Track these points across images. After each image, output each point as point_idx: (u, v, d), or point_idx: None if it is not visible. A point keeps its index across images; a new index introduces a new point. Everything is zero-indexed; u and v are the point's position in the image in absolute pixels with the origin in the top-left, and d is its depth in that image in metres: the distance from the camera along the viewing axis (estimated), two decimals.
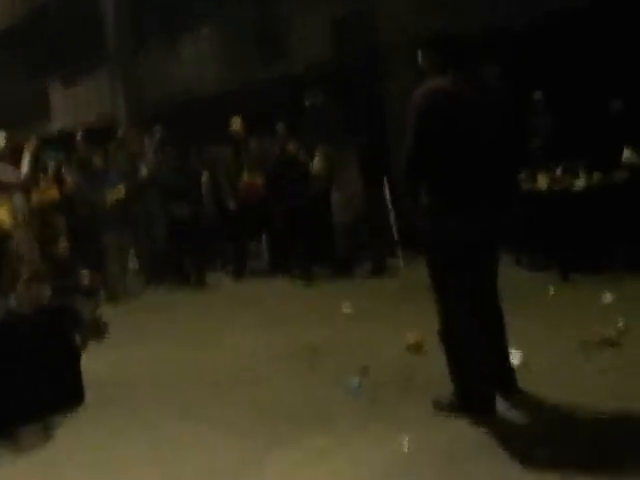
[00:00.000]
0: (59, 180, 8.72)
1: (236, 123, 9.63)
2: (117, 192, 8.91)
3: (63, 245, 7.77)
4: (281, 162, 9.40)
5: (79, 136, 10.78)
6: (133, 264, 10.26)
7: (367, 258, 9.17)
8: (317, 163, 9.11)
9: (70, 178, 9.02)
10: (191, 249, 9.52)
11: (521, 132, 4.04)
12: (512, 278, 7.45)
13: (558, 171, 7.67)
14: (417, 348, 5.36)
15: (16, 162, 7.19)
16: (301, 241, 9.17)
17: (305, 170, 9.23)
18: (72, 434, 4.52)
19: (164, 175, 9.52)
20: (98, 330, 6.86)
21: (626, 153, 7.65)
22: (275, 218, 9.45)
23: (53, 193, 8.38)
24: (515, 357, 4.72)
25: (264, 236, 10.17)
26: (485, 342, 4.09)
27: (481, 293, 4.13)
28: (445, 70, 3.98)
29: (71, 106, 19.07)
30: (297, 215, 9.11)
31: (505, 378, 4.24)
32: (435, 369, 4.52)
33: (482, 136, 3.92)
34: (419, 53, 4.14)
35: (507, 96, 4.10)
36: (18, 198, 6.81)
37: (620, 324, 5.31)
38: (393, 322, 6.26)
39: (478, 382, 4.03)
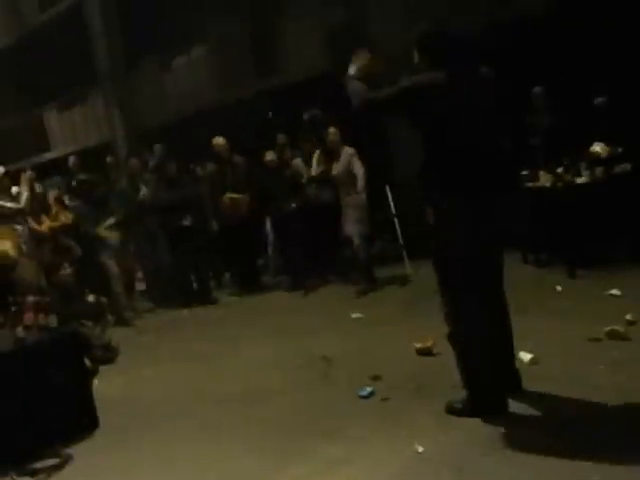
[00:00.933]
0: (61, 206, 8.77)
1: (218, 142, 9.62)
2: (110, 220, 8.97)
3: (66, 272, 7.81)
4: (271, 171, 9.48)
5: (71, 161, 10.86)
6: (140, 285, 10.32)
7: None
8: (317, 168, 9.23)
9: (71, 204, 9.10)
10: (195, 265, 9.57)
11: (518, 125, 4.07)
12: (519, 275, 7.54)
13: (560, 170, 7.68)
14: (427, 352, 5.40)
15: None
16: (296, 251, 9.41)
17: (296, 179, 9.42)
18: (89, 460, 4.51)
19: (162, 193, 9.49)
20: (108, 354, 6.93)
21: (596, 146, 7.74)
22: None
23: (64, 218, 8.44)
24: (525, 356, 4.78)
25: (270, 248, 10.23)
26: (495, 341, 4.13)
27: (489, 291, 4.16)
28: (439, 66, 4.01)
29: (69, 133, 19.16)
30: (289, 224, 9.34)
31: (511, 378, 4.27)
32: (446, 372, 4.55)
33: (475, 128, 3.97)
34: (415, 54, 4.20)
35: (502, 90, 4.09)
36: (22, 229, 6.86)
37: (629, 317, 5.35)
38: (402, 327, 6.30)
39: (490, 383, 4.07)
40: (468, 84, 4.02)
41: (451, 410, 4.18)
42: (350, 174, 8.64)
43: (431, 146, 4.06)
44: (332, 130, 8.84)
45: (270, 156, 9.60)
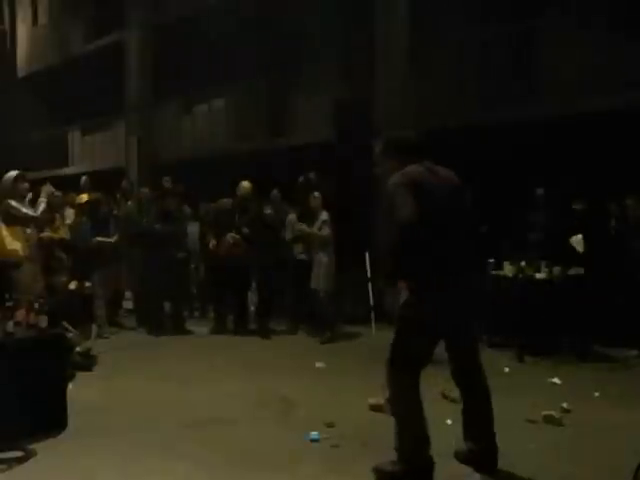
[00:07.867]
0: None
1: (245, 186, 9.33)
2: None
3: (62, 280, 7.74)
4: (256, 223, 9.33)
5: (82, 181, 10.81)
6: (127, 304, 10.24)
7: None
8: (288, 232, 9.34)
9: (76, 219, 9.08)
10: (172, 296, 9.46)
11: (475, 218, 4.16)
12: None
13: (522, 263, 7.80)
14: (379, 409, 5.34)
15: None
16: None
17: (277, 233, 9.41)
18: (51, 459, 4.41)
19: (157, 224, 9.31)
20: (87, 362, 6.84)
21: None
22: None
23: (63, 233, 8.39)
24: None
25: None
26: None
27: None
28: (414, 161, 4.03)
29: (87, 154, 19.23)
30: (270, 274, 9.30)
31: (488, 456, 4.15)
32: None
33: (449, 219, 3.93)
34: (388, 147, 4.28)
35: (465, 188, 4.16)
36: (31, 234, 6.80)
37: (565, 405, 5.37)
38: (361, 382, 6.26)
39: (420, 450, 3.97)
40: (439, 179, 4.00)
41: (379, 474, 4.02)
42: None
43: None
44: (316, 195, 8.90)
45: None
